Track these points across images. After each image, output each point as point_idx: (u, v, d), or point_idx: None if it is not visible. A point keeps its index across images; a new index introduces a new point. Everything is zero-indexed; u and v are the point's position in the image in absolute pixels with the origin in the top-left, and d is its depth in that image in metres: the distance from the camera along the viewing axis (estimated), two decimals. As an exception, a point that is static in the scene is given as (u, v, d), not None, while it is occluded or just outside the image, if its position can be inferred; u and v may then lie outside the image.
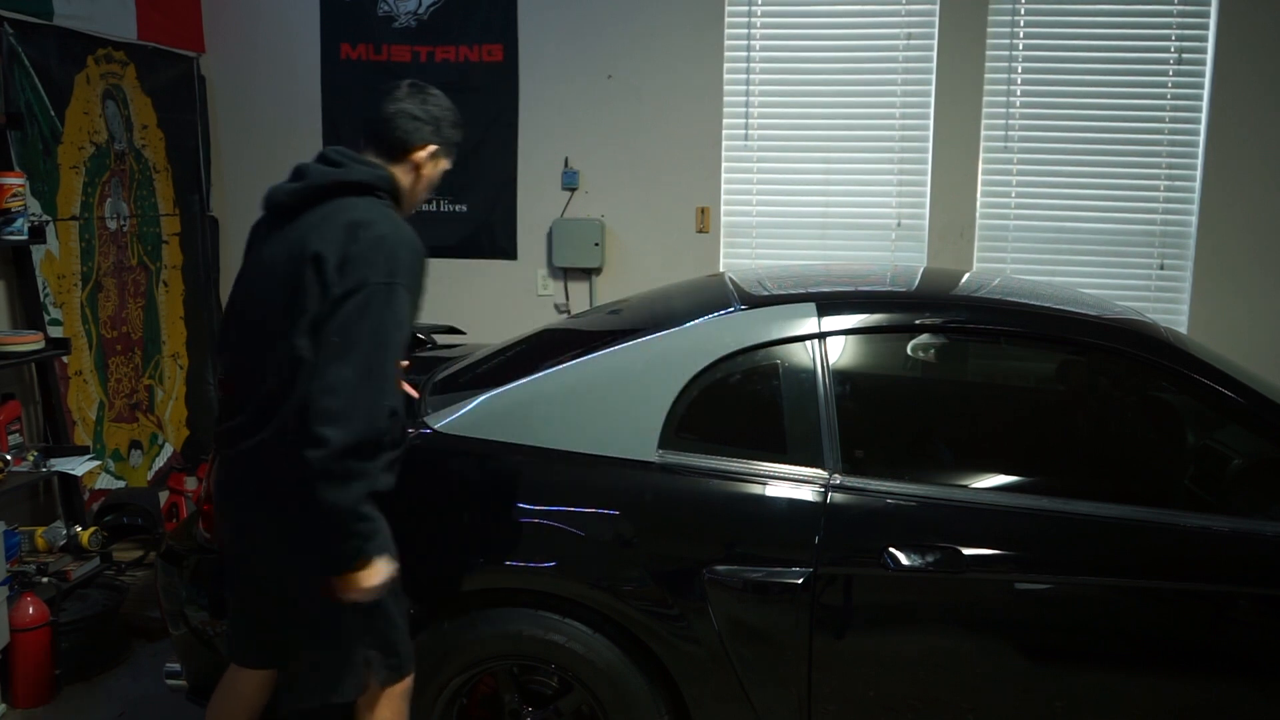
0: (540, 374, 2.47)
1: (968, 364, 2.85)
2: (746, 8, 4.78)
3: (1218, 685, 2.20)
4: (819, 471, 2.28)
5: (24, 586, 3.37)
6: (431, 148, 2.19)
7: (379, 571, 1.97)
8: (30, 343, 3.69)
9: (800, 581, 2.21)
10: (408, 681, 2.21)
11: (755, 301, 2.51)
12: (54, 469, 3.64)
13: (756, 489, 2.29)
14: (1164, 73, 4.55)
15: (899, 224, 4.80)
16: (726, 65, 4.81)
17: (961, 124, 4.64)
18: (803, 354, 2.38)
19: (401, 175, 2.19)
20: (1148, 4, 4.52)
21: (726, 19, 4.78)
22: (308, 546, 2.02)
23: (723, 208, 4.90)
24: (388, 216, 2.08)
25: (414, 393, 2.41)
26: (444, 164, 2.25)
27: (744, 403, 2.45)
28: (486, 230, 5.08)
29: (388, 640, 2.12)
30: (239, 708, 2.26)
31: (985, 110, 4.64)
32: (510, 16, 4.92)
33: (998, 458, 2.46)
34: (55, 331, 3.95)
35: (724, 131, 4.84)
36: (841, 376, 2.38)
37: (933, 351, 2.66)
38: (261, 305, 2.08)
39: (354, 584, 1.95)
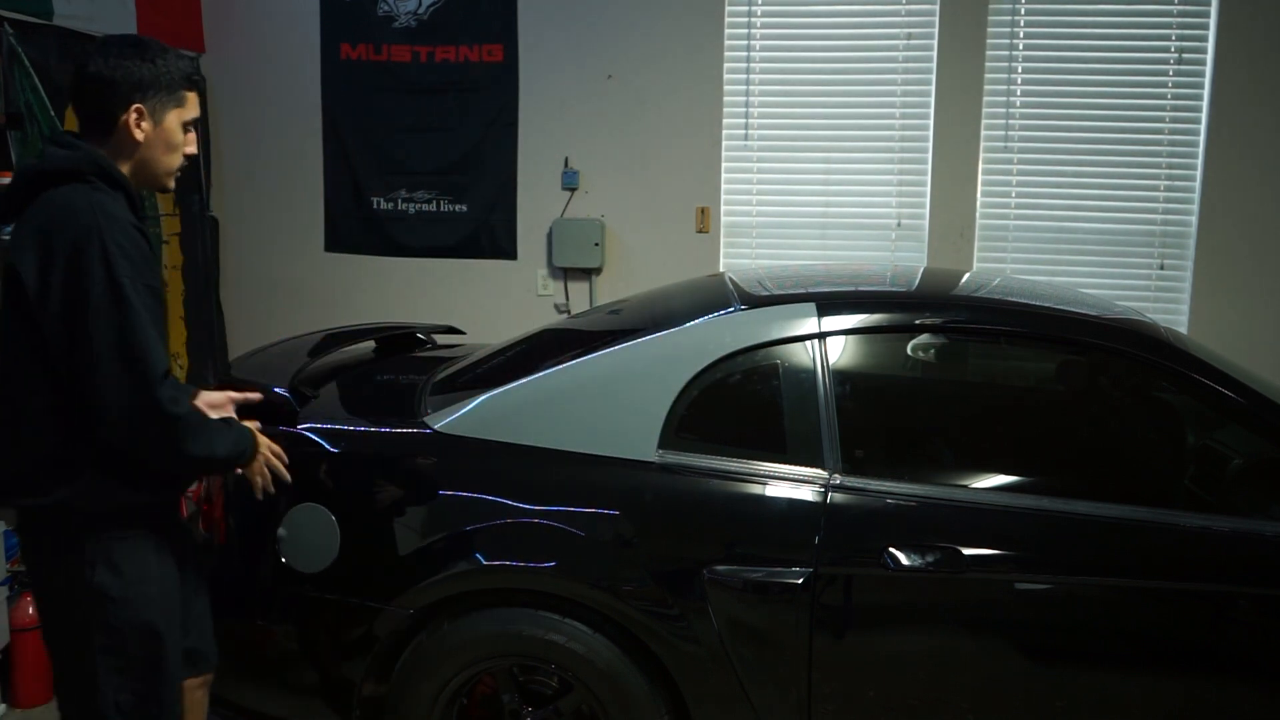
0: (540, 374, 2.47)
1: (968, 364, 2.85)
2: (746, 8, 4.78)
3: (1218, 685, 2.20)
4: (819, 471, 2.28)
5: (24, 586, 3.36)
6: (137, 107, 1.93)
7: None
8: (30, 343, 3.68)
9: (800, 581, 2.21)
10: None
11: (755, 301, 2.51)
12: (54, 469, 3.63)
13: (756, 489, 2.29)
14: (1164, 73, 4.55)
15: (899, 224, 4.80)
16: (726, 65, 4.81)
17: (961, 124, 4.64)
18: (803, 354, 2.38)
19: (121, 148, 1.96)
20: (1148, 4, 4.52)
21: (726, 19, 4.78)
22: (47, 577, 1.97)
23: (723, 208, 4.90)
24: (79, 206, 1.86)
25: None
26: (175, 114, 1.99)
27: (744, 403, 2.45)
28: (486, 230, 5.08)
29: (148, 690, 1.99)
30: None
31: (985, 110, 4.64)
32: (510, 16, 4.92)
33: (998, 458, 2.46)
34: (55, 331, 3.95)
35: (724, 131, 4.84)
36: (841, 376, 2.38)
37: (933, 351, 2.66)
38: None
39: None
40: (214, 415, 2.14)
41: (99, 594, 1.92)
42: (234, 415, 2.18)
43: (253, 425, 2.14)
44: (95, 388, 1.83)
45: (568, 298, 5.06)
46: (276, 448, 2.16)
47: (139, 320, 1.82)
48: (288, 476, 2.18)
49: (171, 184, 2.07)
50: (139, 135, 1.95)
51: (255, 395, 2.28)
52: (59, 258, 1.82)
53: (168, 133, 1.99)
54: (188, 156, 2.05)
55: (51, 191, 1.87)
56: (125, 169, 1.97)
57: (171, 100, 1.98)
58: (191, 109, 2.03)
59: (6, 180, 3.63)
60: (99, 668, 1.95)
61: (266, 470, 2.13)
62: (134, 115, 1.94)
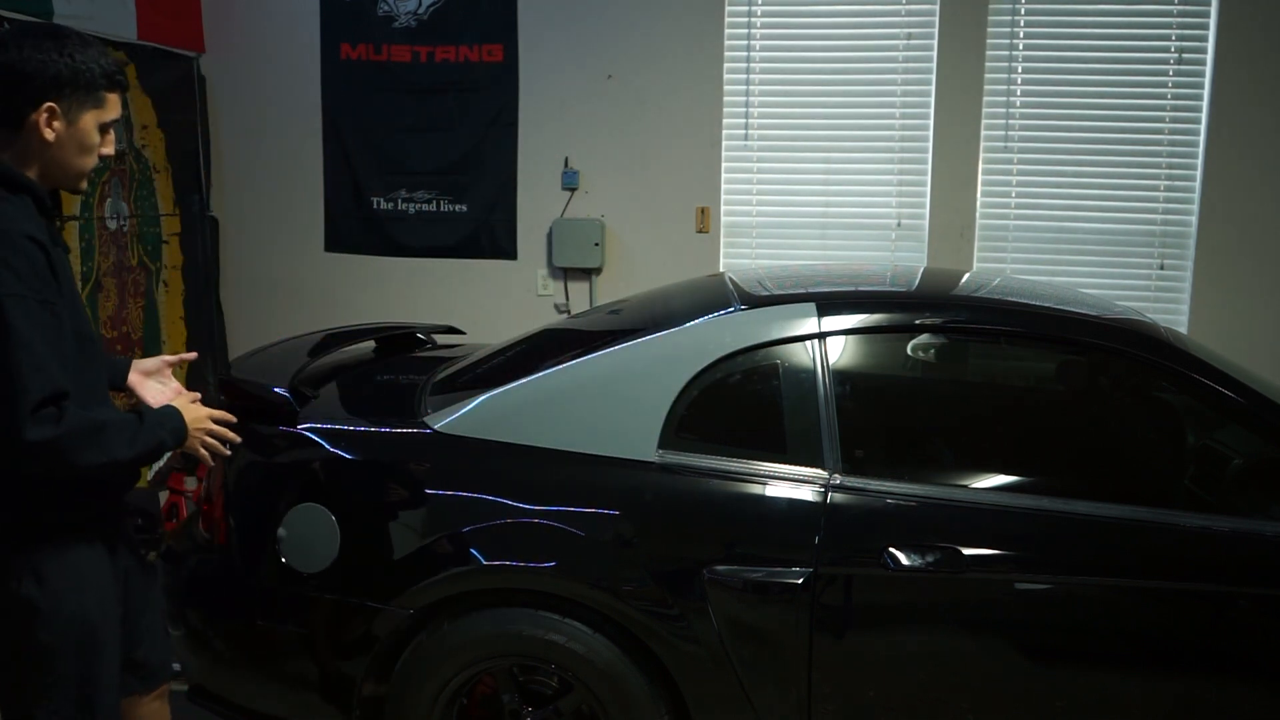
0: (540, 374, 2.47)
1: (968, 364, 2.85)
2: (746, 8, 4.78)
3: (1218, 685, 2.20)
4: (819, 471, 2.28)
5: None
6: (49, 106, 1.80)
7: None
8: (30, 343, 3.68)
9: (800, 581, 2.21)
10: None
11: (755, 301, 2.51)
12: (54, 469, 3.63)
13: (756, 489, 2.29)
14: (1164, 73, 4.55)
15: (899, 224, 4.80)
16: (726, 65, 4.81)
17: (961, 124, 4.64)
18: (803, 354, 2.38)
19: (29, 147, 1.83)
20: (1148, 4, 4.52)
21: (726, 19, 4.78)
22: None
23: (723, 208, 4.90)
24: None
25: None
26: (92, 115, 1.86)
27: (744, 403, 2.45)
28: (486, 230, 5.08)
29: (85, 702, 1.91)
30: None
31: (985, 110, 4.64)
32: (510, 16, 4.92)
33: (998, 458, 2.46)
34: (55, 331, 3.94)
35: (724, 131, 4.84)
36: (841, 376, 2.38)
37: (933, 351, 2.66)
38: None
39: None
40: (150, 383, 2.12)
41: (26, 607, 1.85)
42: (167, 387, 2.11)
43: (185, 400, 2.05)
44: None
45: (568, 298, 5.06)
46: (219, 413, 2.08)
47: (16, 341, 1.70)
48: (234, 437, 2.11)
49: (83, 185, 1.95)
50: (49, 135, 1.82)
51: (191, 355, 2.29)
52: None
53: (82, 134, 1.86)
54: (103, 157, 1.94)
55: None
56: (32, 170, 1.85)
57: (89, 100, 1.85)
58: (111, 110, 1.90)
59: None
60: (29, 685, 1.89)
61: (210, 440, 2.04)
62: (45, 114, 1.81)
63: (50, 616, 1.87)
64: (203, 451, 2.04)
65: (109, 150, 1.94)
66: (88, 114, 1.86)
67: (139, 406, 1.98)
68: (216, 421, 2.07)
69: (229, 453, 2.12)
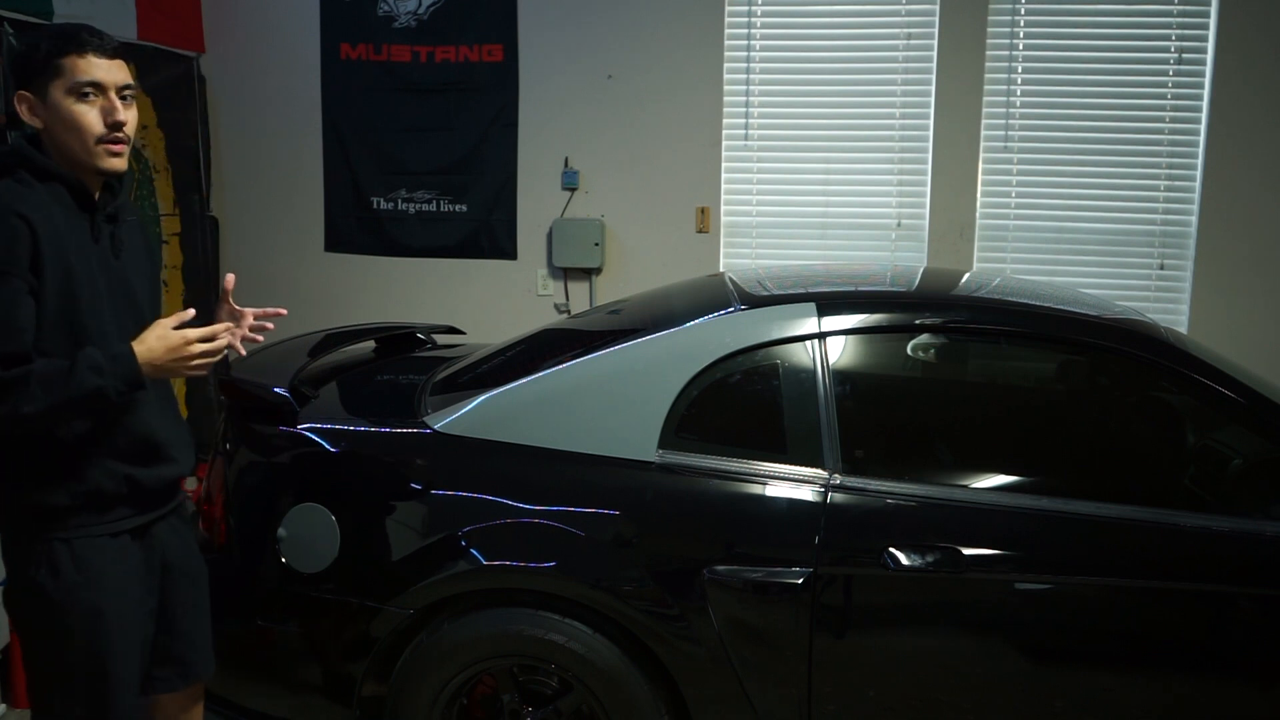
0: (540, 374, 2.47)
1: (968, 364, 2.85)
2: (746, 8, 4.78)
3: (1218, 685, 2.20)
4: (819, 471, 2.28)
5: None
6: (19, 94, 1.85)
7: None
8: (30, 343, 3.67)
9: (800, 581, 2.21)
10: None
11: (755, 301, 2.51)
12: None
13: (756, 489, 2.29)
14: (1164, 73, 4.55)
15: (899, 224, 4.80)
16: (726, 65, 4.81)
17: (961, 124, 4.64)
18: (803, 354, 2.38)
19: (39, 138, 1.88)
20: (1148, 4, 4.52)
21: (726, 19, 4.79)
22: (8, 576, 1.92)
23: (723, 208, 4.90)
24: None
25: None
26: (56, 86, 1.84)
27: (744, 403, 2.45)
28: (486, 230, 5.08)
29: (100, 702, 1.92)
30: None
31: (985, 110, 4.64)
32: (510, 16, 4.92)
33: (998, 458, 2.46)
34: (55, 331, 3.94)
35: (724, 131, 4.84)
36: (841, 376, 2.38)
37: (933, 351, 2.66)
38: None
39: None
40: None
41: (40, 595, 1.88)
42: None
43: (158, 330, 1.86)
44: None
45: (568, 298, 5.06)
46: (201, 331, 1.89)
47: None
48: (223, 345, 1.96)
49: (104, 163, 1.87)
50: (36, 123, 1.86)
51: (190, 312, 1.92)
52: None
53: (57, 108, 1.83)
54: (113, 125, 1.85)
55: None
56: (58, 160, 1.87)
57: (47, 75, 1.83)
58: (74, 73, 1.83)
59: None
60: (42, 674, 1.92)
61: (200, 359, 1.90)
62: (24, 106, 1.86)
63: (62, 607, 1.88)
64: (197, 373, 1.93)
65: (119, 116, 1.86)
66: (53, 88, 1.83)
67: (85, 351, 1.82)
68: (203, 339, 1.90)
69: (242, 352, 2.08)
